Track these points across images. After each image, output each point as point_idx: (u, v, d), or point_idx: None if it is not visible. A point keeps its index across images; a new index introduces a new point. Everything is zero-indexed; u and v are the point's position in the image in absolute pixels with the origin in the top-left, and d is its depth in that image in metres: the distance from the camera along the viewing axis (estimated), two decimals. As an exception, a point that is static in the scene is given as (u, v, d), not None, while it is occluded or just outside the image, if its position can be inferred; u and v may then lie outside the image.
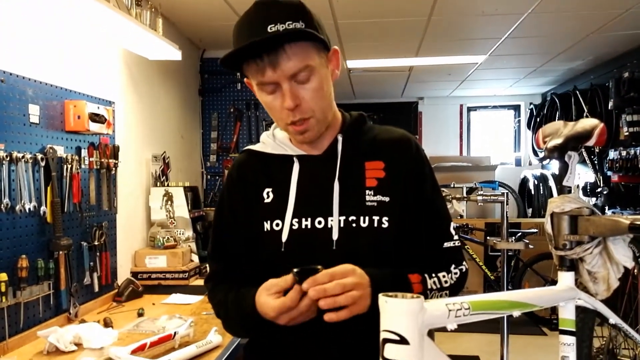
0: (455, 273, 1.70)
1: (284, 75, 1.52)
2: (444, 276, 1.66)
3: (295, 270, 1.43)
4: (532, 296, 1.46)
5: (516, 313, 1.37)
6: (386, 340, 1.02)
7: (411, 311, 1.02)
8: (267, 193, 1.72)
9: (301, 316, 1.46)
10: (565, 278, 1.64)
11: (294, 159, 1.72)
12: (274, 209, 1.69)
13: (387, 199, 1.66)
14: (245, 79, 1.71)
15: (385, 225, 1.63)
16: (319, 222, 1.64)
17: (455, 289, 1.69)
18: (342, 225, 1.63)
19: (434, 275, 1.64)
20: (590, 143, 1.73)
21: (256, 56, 1.52)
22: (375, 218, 1.64)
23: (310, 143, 1.69)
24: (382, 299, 1.02)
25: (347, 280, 1.40)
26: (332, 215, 1.64)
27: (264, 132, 1.84)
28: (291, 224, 1.65)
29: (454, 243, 1.74)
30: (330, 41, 1.66)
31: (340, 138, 1.71)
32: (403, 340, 1.00)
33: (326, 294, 1.37)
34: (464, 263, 1.75)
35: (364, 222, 1.63)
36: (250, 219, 1.72)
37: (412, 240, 1.69)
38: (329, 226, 1.63)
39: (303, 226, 1.65)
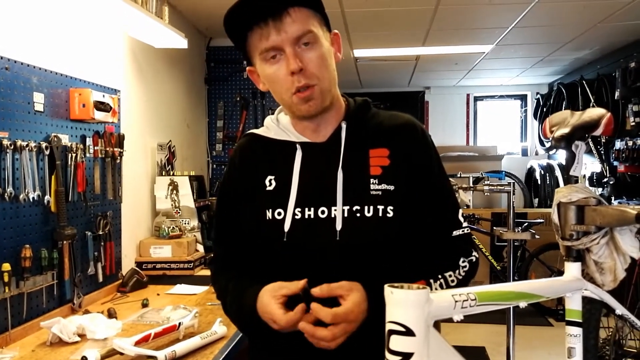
0: (464, 267, 1.68)
1: (287, 38, 1.53)
2: (450, 275, 1.63)
3: (305, 287, 1.46)
4: (539, 287, 1.46)
5: (522, 304, 1.36)
6: (392, 332, 1.01)
7: (417, 302, 1.01)
8: (270, 180, 1.69)
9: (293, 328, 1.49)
10: (572, 269, 1.64)
11: (297, 146, 1.69)
12: (276, 198, 1.67)
13: (392, 187, 1.63)
14: (248, 68, 1.71)
15: (391, 214, 1.61)
16: (322, 212, 1.62)
17: (465, 283, 1.67)
18: (346, 215, 1.60)
19: (440, 277, 1.61)
20: (598, 132, 1.72)
21: (260, 20, 1.53)
22: (380, 207, 1.61)
23: (313, 118, 1.65)
24: (388, 289, 1.02)
25: (339, 326, 1.42)
26: (335, 205, 1.61)
27: (268, 116, 1.82)
28: (294, 214, 1.63)
29: (462, 231, 1.71)
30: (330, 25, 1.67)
31: (344, 125, 1.69)
32: (409, 332, 1.00)
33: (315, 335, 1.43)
34: (474, 253, 1.72)
35: (369, 211, 1.60)
36: (251, 206, 1.70)
37: (419, 230, 1.67)
38: (333, 216, 1.61)
39: (306, 216, 1.63)
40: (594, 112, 1.73)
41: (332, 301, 1.44)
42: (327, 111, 1.66)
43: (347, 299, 1.43)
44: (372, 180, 1.64)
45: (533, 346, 5.95)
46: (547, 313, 6.93)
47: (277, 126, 1.75)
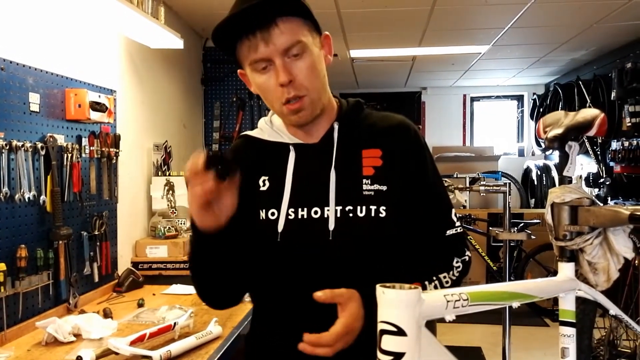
0: (458, 267, 1.69)
1: (276, 50, 1.52)
2: (445, 277, 1.64)
3: (212, 154, 1.46)
4: (532, 287, 1.46)
5: (515, 304, 1.36)
6: (383, 332, 1.01)
7: (408, 302, 1.01)
8: (263, 181, 1.70)
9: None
10: (565, 269, 1.64)
11: (290, 147, 1.70)
12: (269, 198, 1.67)
13: (384, 187, 1.63)
14: (239, 71, 1.70)
15: (383, 214, 1.61)
16: (315, 212, 1.62)
17: (458, 283, 1.68)
18: (338, 215, 1.61)
19: (434, 278, 1.62)
20: (591, 133, 1.72)
21: (249, 32, 1.52)
22: (373, 208, 1.61)
23: (305, 125, 1.66)
24: (380, 289, 1.02)
25: (336, 344, 1.39)
26: (328, 205, 1.62)
27: (262, 117, 1.82)
28: (287, 214, 1.64)
29: (456, 230, 1.72)
30: (320, 27, 1.66)
31: (336, 126, 1.69)
32: (400, 332, 1.00)
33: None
34: (467, 252, 1.73)
35: (361, 211, 1.61)
36: (245, 207, 1.70)
37: (412, 229, 1.68)
38: (326, 216, 1.61)
39: (299, 216, 1.63)
40: (587, 112, 1.73)
41: (329, 305, 1.44)
42: (318, 117, 1.66)
43: (345, 310, 1.41)
44: (364, 181, 1.64)
45: (529, 346, 5.96)
46: (543, 313, 6.94)
47: (270, 128, 1.75)
